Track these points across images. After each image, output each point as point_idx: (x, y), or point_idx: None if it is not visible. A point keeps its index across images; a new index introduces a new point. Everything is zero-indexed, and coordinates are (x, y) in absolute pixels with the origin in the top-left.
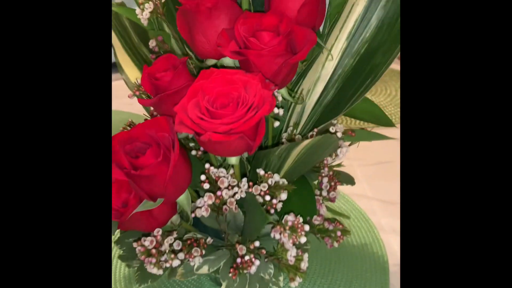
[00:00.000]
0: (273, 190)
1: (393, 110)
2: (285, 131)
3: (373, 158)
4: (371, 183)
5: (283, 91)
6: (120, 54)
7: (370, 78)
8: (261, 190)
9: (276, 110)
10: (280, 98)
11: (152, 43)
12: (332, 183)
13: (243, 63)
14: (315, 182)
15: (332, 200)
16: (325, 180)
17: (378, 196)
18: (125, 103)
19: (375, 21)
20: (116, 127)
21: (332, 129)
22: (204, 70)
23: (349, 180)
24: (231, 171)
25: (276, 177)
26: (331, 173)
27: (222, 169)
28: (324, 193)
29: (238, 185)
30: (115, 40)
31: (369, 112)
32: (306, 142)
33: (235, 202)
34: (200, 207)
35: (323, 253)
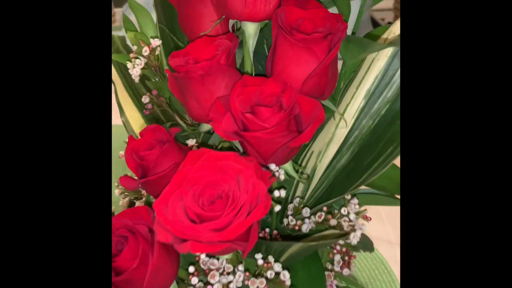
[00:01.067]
0: (272, 286)
1: None
2: (291, 202)
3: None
4: (395, 225)
5: (287, 166)
6: (120, 92)
7: (392, 147)
8: (257, 287)
9: (277, 193)
10: (282, 177)
11: (145, 100)
12: (346, 258)
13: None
14: None
15: (346, 275)
16: (338, 256)
17: None
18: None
19: (399, 79)
20: (118, 144)
21: (344, 211)
22: (192, 152)
23: (367, 246)
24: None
25: (277, 267)
26: (344, 249)
27: (213, 260)
28: (337, 269)
29: (233, 272)
30: (116, 77)
31: (389, 177)
32: (310, 242)
33: None
34: None
35: None
